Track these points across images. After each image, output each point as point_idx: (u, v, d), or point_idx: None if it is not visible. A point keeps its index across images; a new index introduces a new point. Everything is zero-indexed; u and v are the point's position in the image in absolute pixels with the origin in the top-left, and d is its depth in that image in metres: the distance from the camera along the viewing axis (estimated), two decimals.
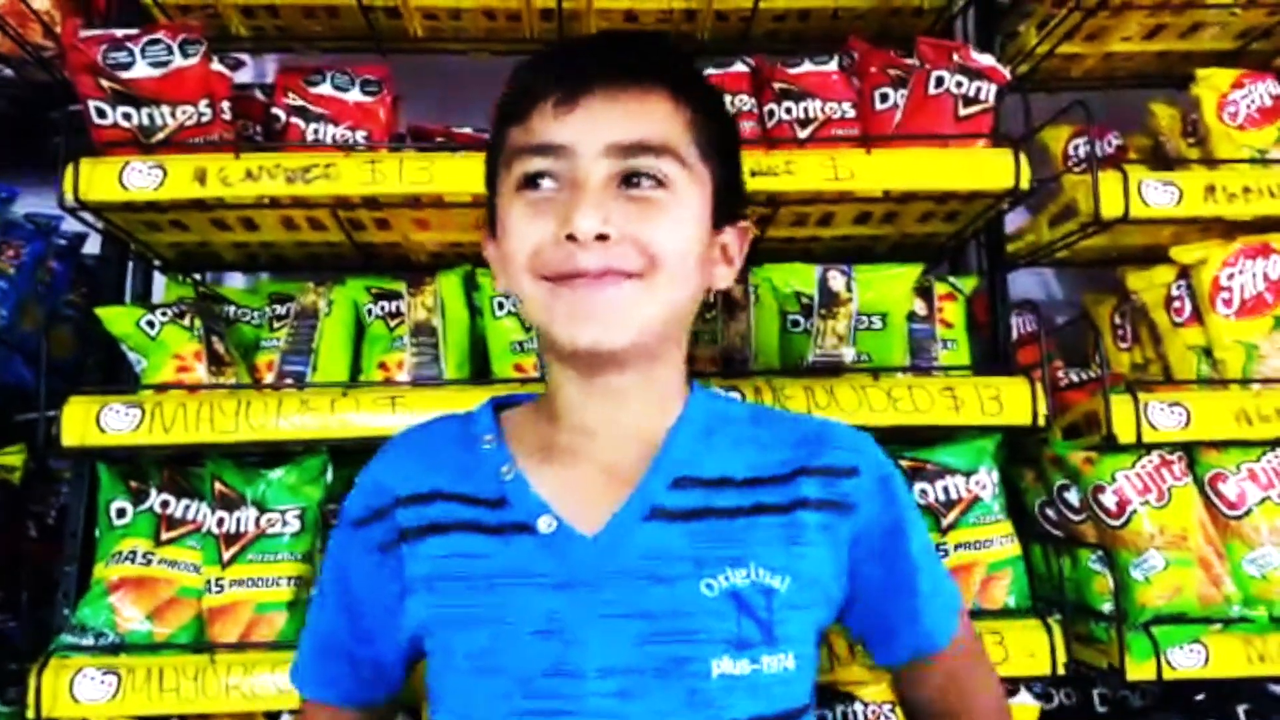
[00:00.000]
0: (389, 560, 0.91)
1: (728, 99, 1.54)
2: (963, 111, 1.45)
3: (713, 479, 0.89)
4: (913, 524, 0.96)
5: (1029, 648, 1.34)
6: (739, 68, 1.60)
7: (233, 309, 1.62)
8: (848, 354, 1.42)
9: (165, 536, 1.42)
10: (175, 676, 1.29)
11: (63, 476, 1.64)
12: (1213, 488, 1.50)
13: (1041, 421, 1.40)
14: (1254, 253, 1.54)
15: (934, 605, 0.97)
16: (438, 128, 1.59)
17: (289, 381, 1.45)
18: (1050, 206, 1.74)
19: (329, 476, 1.43)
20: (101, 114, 1.37)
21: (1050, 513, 1.56)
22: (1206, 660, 1.39)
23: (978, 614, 1.40)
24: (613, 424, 0.92)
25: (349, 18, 1.66)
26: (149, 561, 1.39)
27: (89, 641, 1.34)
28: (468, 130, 1.60)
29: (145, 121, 1.37)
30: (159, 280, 1.70)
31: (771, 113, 1.55)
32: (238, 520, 1.38)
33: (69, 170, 1.35)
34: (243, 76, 1.66)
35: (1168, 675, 1.38)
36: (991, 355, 1.60)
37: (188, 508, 1.43)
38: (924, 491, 1.44)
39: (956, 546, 1.43)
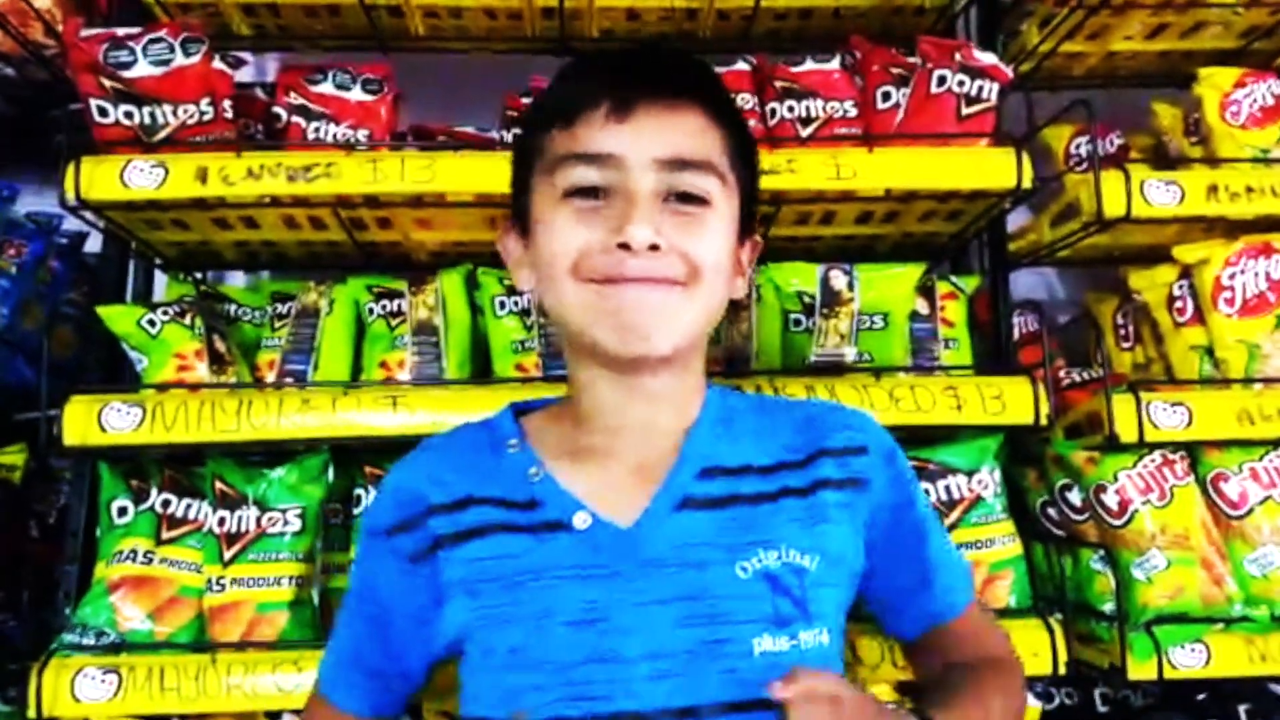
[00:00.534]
0: (421, 569, 0.93)
1: None
2: (965, 110, 1.45)
3: (736, 467, 0.94)
4: (918, 495, 1.03)
5: (1031, 647, 1.34)
6: (741, 66, 1.60)
7: (234, 308, 1.62)
8: (849, 353, 1.42)
9: (166, 536, 1.42)
10: (176, 676, 1.29)
11: (64, 476, 1.64)
12: (1214, 487, 1.50)
13: (1044, 421, 1.40)
14: (1256, 252, 1.54)
15: (944, 572, 1.03)
16: (439, 126, 1.59)
17: (290, 380, 1.45)
18: (1052, 206, 1.74)
19: (330, 476, 1.42)
20: (103, 112, 1.37)
21: (1052, 512, 1.56)
22: (1208, 660, 1.39)
23: None
24: (643, 423, 0.95)
25: (351, 16, 1.65)
26: (150, 561, 1.39)
27: (90, 641, 1.34)
28: (469, 129, 1.60)
29: (147, 120, 1.37)
30: (160, 279, 1.70)
31: (773, 111, 1.54)
32: (239, 519, 1.37)
33: (70, 169, 1.35)
34: (244, 75, 1.66)
35: (1169, 675, 1.38)
36: (993, 355, 1.60)
37: (189, 507, 1.43)
38: (926, 491, 1.44)
39: (959, 546, 1.42)
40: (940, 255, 1.74)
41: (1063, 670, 1.34)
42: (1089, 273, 1.98)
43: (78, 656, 1.31)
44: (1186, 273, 1.58)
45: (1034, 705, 1.38)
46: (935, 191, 1.46)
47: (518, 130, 1.01)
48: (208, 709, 1.30)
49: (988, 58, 1.46)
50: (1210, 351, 1.56)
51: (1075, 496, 1.51)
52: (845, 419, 1.01)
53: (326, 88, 1.54)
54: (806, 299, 1.48)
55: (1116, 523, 1.44)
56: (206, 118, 1.39)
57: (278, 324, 1.55)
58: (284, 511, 1.38)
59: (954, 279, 1.63)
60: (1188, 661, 1.39)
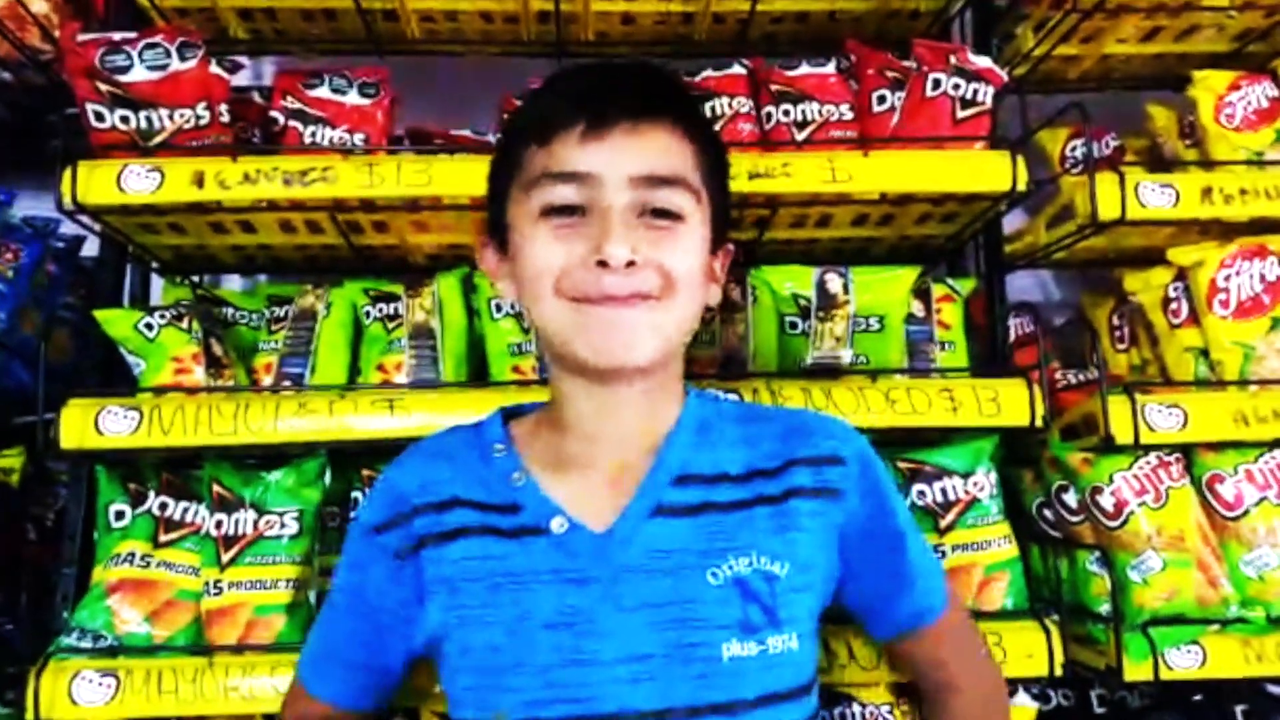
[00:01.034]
0: (406, 567, 0.96)
1: (725, 101, 1.55)
2: (960, 114, 1.45)
3: (711, 475, 0.96)
4: (895, 501, 1.05)
5: (1027, 649, 1.34)
6: (736, 70, 1.60)
7: (231, 311, 1.62)
8: (845, 356, 1.42)
9: (164, 539, 1.41)
10: (174, 679, 1.29)
11: (61, 479, 1.64)
12: (1210, 489, 1.50)
13: (1039, 423, 1.40)
14: (1251, 254, 1.54)
15: (922, 579, 1.06)
16: (436, 130, 1.59)
17: (287, 384, 1.45)
18: (1048, 208, 1.75)
19: (327, 479, 1.42)
20: (99, 117, 1.37)
21: (1048, 514, 1.56)
22: (1204, 661, 1.39)
23: (975, 615, 1.39)
24: (620, 431, 0.98)
25: (347, 20, 1.66)
26: (147, 564, 1.39)
27: (87, 644, 1.34)
28: (466, 132, 1.60)
29: (143, 124, 1.37)
30: (157, 283, 1.70)
31: (769, 115, 1.55)
32: (236, 522, 1.37)
33: (67, 173, 1.35)
34: (241, 79, 1.65)
35: (1165, 676, 1.38)
36: (989, 357, 1.60)
37: (186, 510, 1.43)
38: (922, 493, 1.44)
39: (954, 548, 1.43)
40: (936, 258, 1.75)
41: (1059, 671, 1.34)
42: (1084, 275, 1.98)
43: (75, 659, 1.31)
44: (1182, 275, 1.59)
45: (1030, 706, 1.38)
46: (931, 194, 1.46)
47: (498, 144, 1.04)
48: (205, 711, 1.30)
49: (982, 61, 1.46)
50: (1205, 353, 1.56)
51: (1071, 498, 1.51)
52: (823, 429, 1.03)
53: (323, 92, 1.54)
54: (802, 302, 1.48)
55: (1112, 524, 1.44)
56: (203, 122, 1.40)
57: (275, 327, 1.55)
58: (281, 514, 1.38)
59: (950, 281, 1.64)
60: (1183, 663, 1.39)
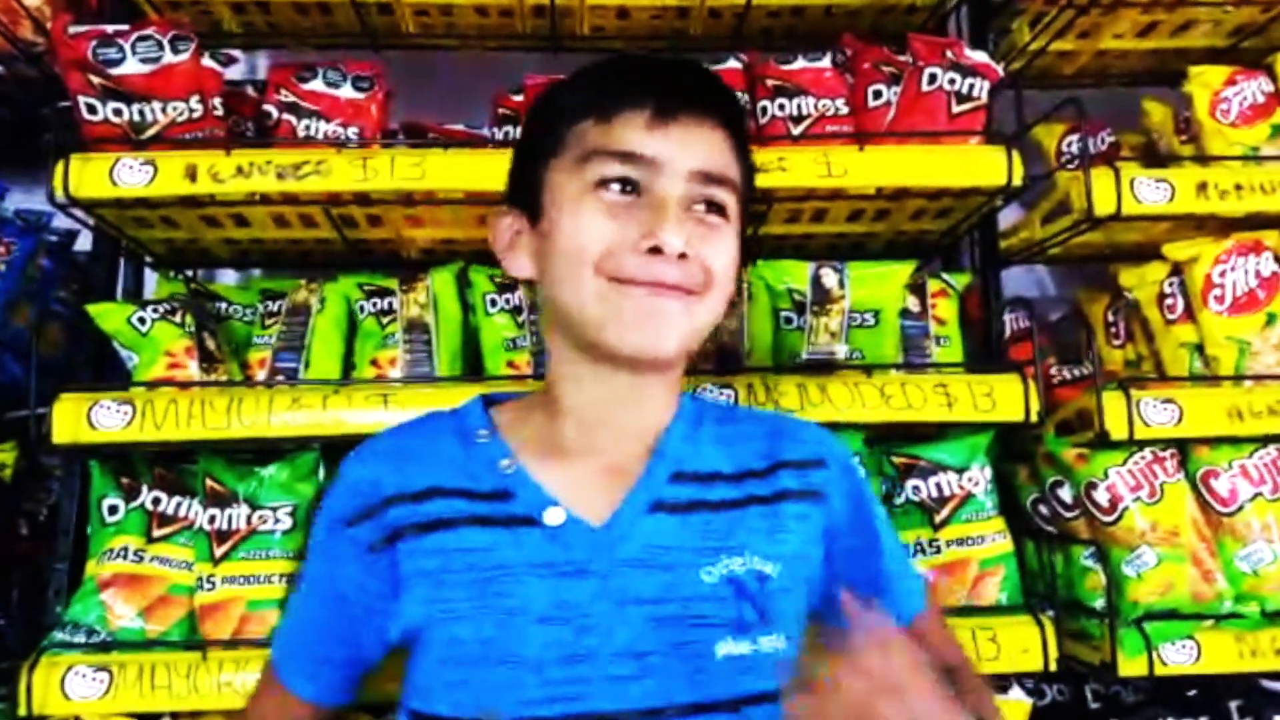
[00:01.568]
0: (379, 560, 0.93)
1: None
2: (956, 109, 1.45)
3: (706, 474, 0.96)
4: (875, 507, 1.06)
5: (1021, 644, 1.34)
6: (732, 64, 1.59)
7: (224, 305, 1.61)
8: (840, 351, 1.42)
9: (157, 534, 1.41)
10: (167, 674, 1.29)
11: (54, 474, 1.64)
12: (1205, 484, 1.50)
13: (1034, 418, 1.40)
14: (1246, 250, 1.54)
15: (899, 581, 1.06)
16: (430, 124, 1.59)
17: (281, 378, 1.44)
18: (1043, 203, 1.74)
19: (321, 474, 1.42)
20: (92, 110, 1.37)
21: (1043, 509, 1.56)
22: (1198, 656, 1.39)
23: (970, 610, 1.40)
24: (622, 421, 0.97)
25: (341, 14, 1.65)
26: (141, 559, 1.39)
27: (81, 639, 1.33)
28: (460, 126, 1.60)
29: (136, 117, 1.37)
30: (150, 277, 1.70)
31: (765, 109, 1.54)
32: (229, 517, 1.37)
33: (59, 166, 1.34)
34: (234, 73, 1.65)
35: (1160, 671, 1.39)
36: (984, 352, 1.60)
37: (179, 505, 1.43)
38: (917, 488, 1.45)
39: (949, 543, 1.43)
40: (931, 253, 1.75)
41: (1053, 667, 1.35)
42: (1080, 270, 1.98)
43: (68, 654, 1.31)
44: (1177, 270, 1.59)
45: (1025, 701, 1.38)
46: (926, 189, 1.46)
47: (535, 119, 1.00)
48: (199, 706, 1.30)
49: (978, 56, 1.46)
50: (1201, 349, 1.57)
51: (1066, 493, 1.51)
52: (803, 433, 1.04)
53: (317, 85, 1.53)
54: (798, 297, 1.48)
55: (1107, 519, 1.45)
56: (196, 115, 1.39)
57: (268, 322, 1.54)
58: (275, 509, 1.38)
59: (945, 276, 1.63)
60: (1178, 658, 1.39)
